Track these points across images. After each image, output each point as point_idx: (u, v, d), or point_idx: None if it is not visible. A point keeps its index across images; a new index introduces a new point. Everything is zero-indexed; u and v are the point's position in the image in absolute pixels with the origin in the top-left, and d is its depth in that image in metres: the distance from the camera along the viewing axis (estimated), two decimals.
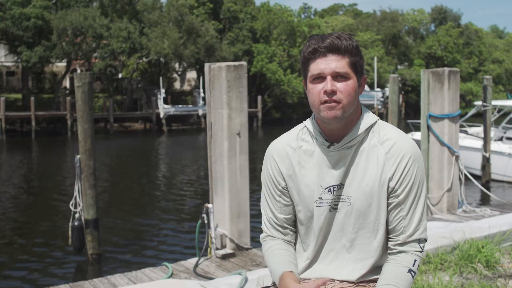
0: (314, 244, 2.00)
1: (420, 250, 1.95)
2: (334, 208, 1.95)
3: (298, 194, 1.99)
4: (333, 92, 1.84)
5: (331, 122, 1.87)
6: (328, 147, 1.92)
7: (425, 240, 1.97)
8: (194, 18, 42.01)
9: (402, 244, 1.94)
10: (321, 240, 1.99)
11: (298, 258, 2.06)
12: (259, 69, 43.84)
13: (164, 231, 11.43)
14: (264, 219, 2.10)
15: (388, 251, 1.98)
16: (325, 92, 1.84)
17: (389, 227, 1.96)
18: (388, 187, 1.91)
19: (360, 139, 1.92)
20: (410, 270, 1.91)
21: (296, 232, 2.09)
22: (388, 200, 1.93)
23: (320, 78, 1.86)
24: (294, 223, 2.08)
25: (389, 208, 1.94)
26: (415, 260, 1.93)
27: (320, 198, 1.95)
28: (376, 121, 1.96)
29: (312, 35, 1.92)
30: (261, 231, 2.14)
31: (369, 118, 1.95)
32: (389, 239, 1.97)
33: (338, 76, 1.85)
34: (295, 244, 2.09)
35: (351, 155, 1.92)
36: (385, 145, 1.92)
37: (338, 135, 1.92)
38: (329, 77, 1.84)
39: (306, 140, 1.99)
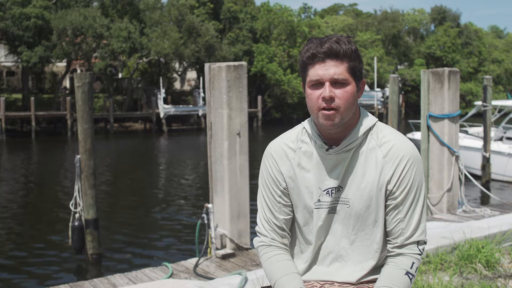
0: (313, 246, 2.00)
1: (419, 253, 1.94)
2: (333, 210, 1.95)
3: (298, 196, 1.99)
4: (332, 99, 1.83)
5: (329, 128, 1.87)
6: (327, 150, 1.92)
7: (425, 242, 1.97)
8: (195, 18, 42.04)
9: (400, 247, 1.94)
10: (320, 242, 1.99)
11: (297, 260, 2.06)
12: (259, 69, 43.84)
13: (164, 231, 11.43)
14: (261, 220, 2.05)
15: (387, 254, 1.98)
16: (323, 99, 1.83)
17: (387, 229, 1.96)
18: (386, 189, 1.91)
19: (358, 142, 1.92)
20: (407, 273, 1.90)
21: (292, 235, 2.08)
22: (386, 202, 1.93)
23: (318, 84, 1.85)
24: (291, 226, 2.07)
25: (387, 210, 1.93)
26: (413, 263, 1.92)
27: (319, 200, 1.95)
28: (375, 123, 1.96)
29: (310, 38, 1.92)
30: None
31: (367, 121, 1.94)
32: (388, 242, 1.97)
33: (336, 82, 1.84)
34: (292, 246, 2.09)
35: (350, 158, 1.92)
36: (383, 148, 1.92)
37: (337, 138, 1.92)
38: (327, 83, 1.83)
39: (306, 142, 1.99)
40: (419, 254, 1.94)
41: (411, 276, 1.91)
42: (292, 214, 2.03)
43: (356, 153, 1.92)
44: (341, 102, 1.83)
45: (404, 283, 1.88)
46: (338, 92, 1.84)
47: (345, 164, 1.92)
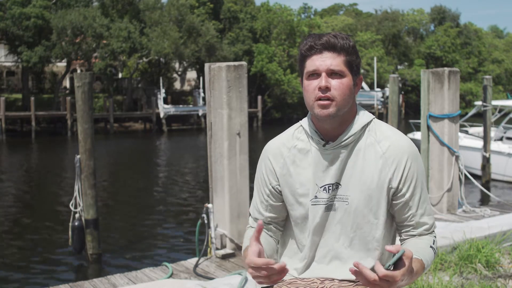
0: (311, 244, 2.00)
1: (435, 235, 1.99)
2: (331, 207, 1.95)
3: (292, 194, 1.99)
4: (327, 89, 1.85)
5: (325, 120, 1.88)
6: (324, 145, 1.93)
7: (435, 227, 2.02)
8: (195, 18, 42.05)
9: (419, 236, 1.97)
10: (318, 240, 1.99)
11: (295, 258, 2.06)
12: (259, 69, 43.85)
13: (164, 231, 11.43)
14: (250, 215, 2.14)
15: (402, 243, 2.00)
16: (319, 89, 1.86)
17: (401, 225, 1.99)
18: (390, 187, 1.92)
19: (355, 138, 1.93)
20: (431, 247, 1.93)
21: (289, 234, 2.09)
22: (393, 200, 1.94)
23: (315, 75, 1.88)
24: (281, 222, 2.09)
25: (397, 207, 1.95)
26: (434, 240, 1.96)
27: (316, 197, 1.95)
28: (372, 120, 1.97)
29: (309, 33, 1.94)
30: None
31: (364, 117, 1.96)
32: (403, 233, 2.00)
33: (333, 74, 1.87)
34: (290, 245, 2.09)
35: (347, 154, 1.93)
36: (382, 145, 1.93)
37: (334, 134, 1.93)
38: (323, 74, 1.86)
39: (302, 139, 2.00)
40: (435, 237, 1.99)
41: (434, 251, 1.93)
42: (279, 214, 2.06)
43: (354, 149, 1.93)
44: (337, 93, 1.86)
45: (429, 254, 1.89)
46: (334, 83, 1.86)
47: (343, 160, 1.92)
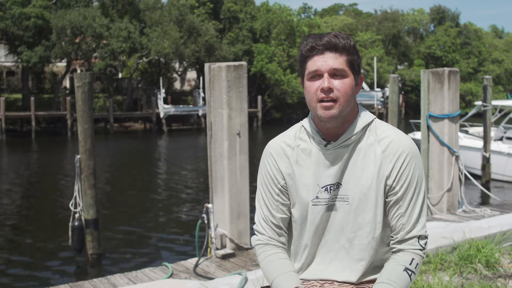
0: (311, 244, 1.99)
1: (420, 248, 1.92)
2: (331, 207, 1.95)
3: (296, 193, 1.99)
4: (330, 90, 1.84)
5: (328, 121, 1.87)
6: (325, 146, 1.92)
7: (426, 237, 1.95)
8: (195, 18, 42.06)
9: (400, 242, 1.93)
10: (318, 240, 1.99)
11: (295, 258, 2.06)
12: (259, 69, 43.85)
13: (164, 231, 11.43)
14: (259, 218, 2.06)
15: (391, 251, 1.97)
16: (322, 90, 1.85)
17: (390, 225, 1.96)
18: (386, 184, 1.91)
19: (357, 138, 1.92)
20: (406, 269, 1.88)
21: (289, 234, 2.08)
22: (386, 198, 1.93)
23: (317, 75, 1.87)
24: (288, 224, 2.06)
25: (388, 206, 1.93)
26: (413, 259, 1.90)
27: (317, 197, 1.94)
28: (373, 120, 1.96)
29: (310, 34, 1.93)
30: None
31: (366, 117, 1.95)
32: (390, 238, 1.97)
33: (335, 74, 1.86)
34: (290, 245, 2.08)
35: (348, 154, 1.92)
36: (382, 143, 1.92)
37: (335, 134, 1.92)
38: (326, 75, 1.85)
39: (304, 139, 1.99)
40: (420, 250, 1.92)
41: (410, 272, 1.88)
42: (289, 213, 2.03)
43: (355, 149, 1.92)
44: (340, 94, 1.85)
45: (402, 279, 1.86)
46: (336, 83, 1.85)
47: (344, 161, 1.92)
